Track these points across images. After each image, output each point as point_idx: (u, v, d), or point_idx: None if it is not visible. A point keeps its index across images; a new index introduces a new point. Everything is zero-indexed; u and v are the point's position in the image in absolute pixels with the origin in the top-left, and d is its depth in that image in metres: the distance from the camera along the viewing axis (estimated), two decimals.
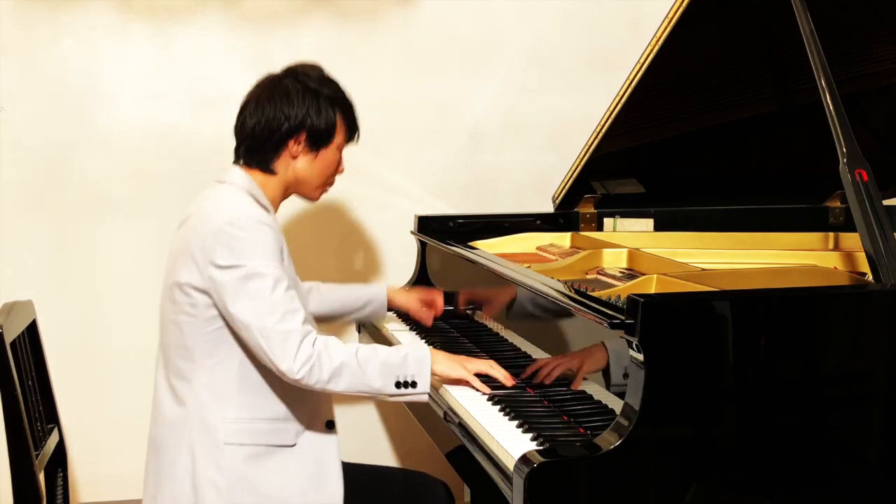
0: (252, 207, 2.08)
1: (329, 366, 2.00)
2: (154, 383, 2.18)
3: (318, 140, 2.17)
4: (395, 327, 2.72)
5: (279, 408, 2.09)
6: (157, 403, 2.16)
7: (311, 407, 2.14)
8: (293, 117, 2.14)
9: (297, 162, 2.18)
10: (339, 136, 2.20)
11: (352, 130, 2.24)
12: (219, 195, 2.13)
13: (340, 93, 2.22)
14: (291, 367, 1.98)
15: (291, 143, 2.16)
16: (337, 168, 2.24)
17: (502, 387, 2.12)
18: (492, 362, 2.17)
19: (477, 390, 2.11)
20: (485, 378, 2.14)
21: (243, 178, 2.16)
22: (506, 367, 2.19)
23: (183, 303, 2.07)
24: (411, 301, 2.66)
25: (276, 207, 2.21)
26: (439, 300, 2.68)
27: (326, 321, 2.63)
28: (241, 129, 2.19)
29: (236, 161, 2.21)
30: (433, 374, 2.11)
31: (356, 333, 3.01)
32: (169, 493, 2.08)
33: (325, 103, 2.17)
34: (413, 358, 2.08)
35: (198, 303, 2.05)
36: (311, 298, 2.52)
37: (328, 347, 2.02)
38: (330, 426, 2.16)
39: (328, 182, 2.25)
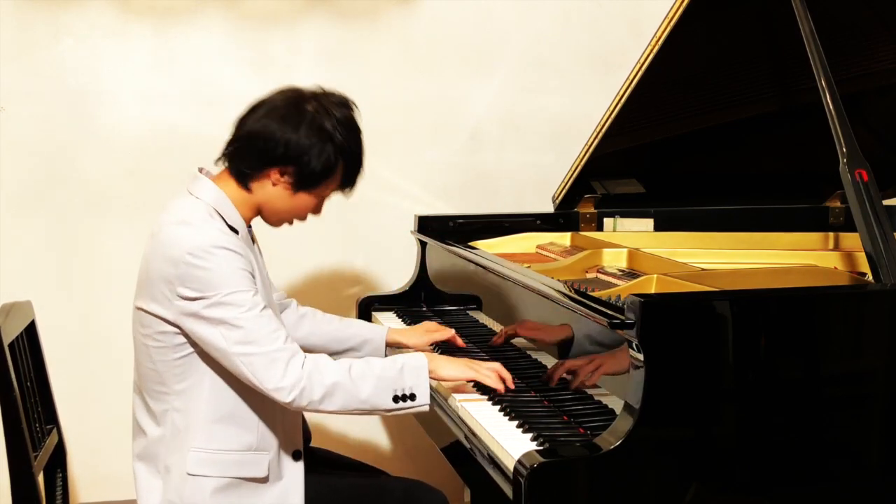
0: (213, 232, 1.94)
1: (321, 385, 1.90)
2: (132, 404, 2.10)
3: (305, 182, 2.01)
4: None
5: (250, 438, 2.00)
6: (137, 428, 2.08)
7: (281, 437, 2.04)
8: (291, 148, 1.97)
9: (273, 189, 2.02)
10: (328, 187, 2.05)
11: (347, 185, 2.08)
12: (184, 213, 2.00)
13: (354, 143, 2.03)
14: (280, 388, 1.88)
15: (276, 170, 2.00)
16: (308, 213, 2.09)
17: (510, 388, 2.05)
18: (499, 365, 2.09)
19: (492, 388, 2.04)
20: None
21: (212, 193, 2.02)
22: (506, 368, 2.18)
23: (150, 327, 1.98)
24: (418, 335, 2.41)
25: (248, 222, 2.08)
26: (445, 329, 2.44)
27: (314, 352, 2.23)
28: (238, 127, 2.05)
29: (219, 158, 2.07)
30: (441, 378, 2.05)
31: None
32: None
33: (332, 149, 1.99)
34: (410, 368, 1.97)
35: (166, 330, 1.96)
36: (303, 325, 2.39)
37: (318, 366, 1.92)
38: (297, 456, 2.06)
39: (294, 220, 2.10)
